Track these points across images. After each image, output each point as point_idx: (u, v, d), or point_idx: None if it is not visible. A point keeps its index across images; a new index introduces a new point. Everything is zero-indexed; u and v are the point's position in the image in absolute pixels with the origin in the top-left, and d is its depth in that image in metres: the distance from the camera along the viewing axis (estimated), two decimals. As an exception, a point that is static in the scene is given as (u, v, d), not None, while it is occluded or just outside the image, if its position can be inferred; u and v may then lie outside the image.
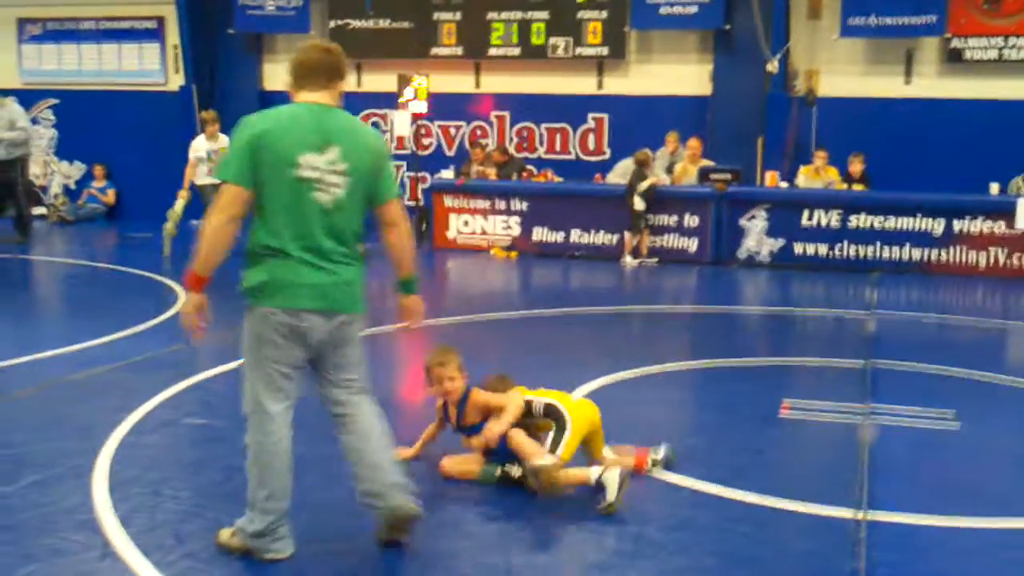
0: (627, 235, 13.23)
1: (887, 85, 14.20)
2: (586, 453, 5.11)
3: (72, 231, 15.92)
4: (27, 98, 17.59)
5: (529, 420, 5.09)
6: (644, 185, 12.96)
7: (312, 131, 4.00)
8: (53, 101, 17.71)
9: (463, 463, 5.18)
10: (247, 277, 4.08)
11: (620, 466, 4.86)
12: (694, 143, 13.75)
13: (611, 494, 4.65)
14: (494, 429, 5.04)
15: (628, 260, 13.09)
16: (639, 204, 12.95)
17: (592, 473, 4.80)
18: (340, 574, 4.10)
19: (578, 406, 5.16)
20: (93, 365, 7.26)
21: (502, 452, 5.03)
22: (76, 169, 17.66)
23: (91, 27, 17.30)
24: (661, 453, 5.25)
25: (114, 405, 6.18)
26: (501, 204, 13.98)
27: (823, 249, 12.84)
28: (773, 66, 14.04)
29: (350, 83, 16.17)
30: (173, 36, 16.70)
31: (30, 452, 5.38)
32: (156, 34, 17.02)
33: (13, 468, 5.12)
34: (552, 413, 5.06)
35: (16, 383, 6.84)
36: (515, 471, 4.96)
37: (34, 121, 17.75)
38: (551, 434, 4.99)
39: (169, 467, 5.26)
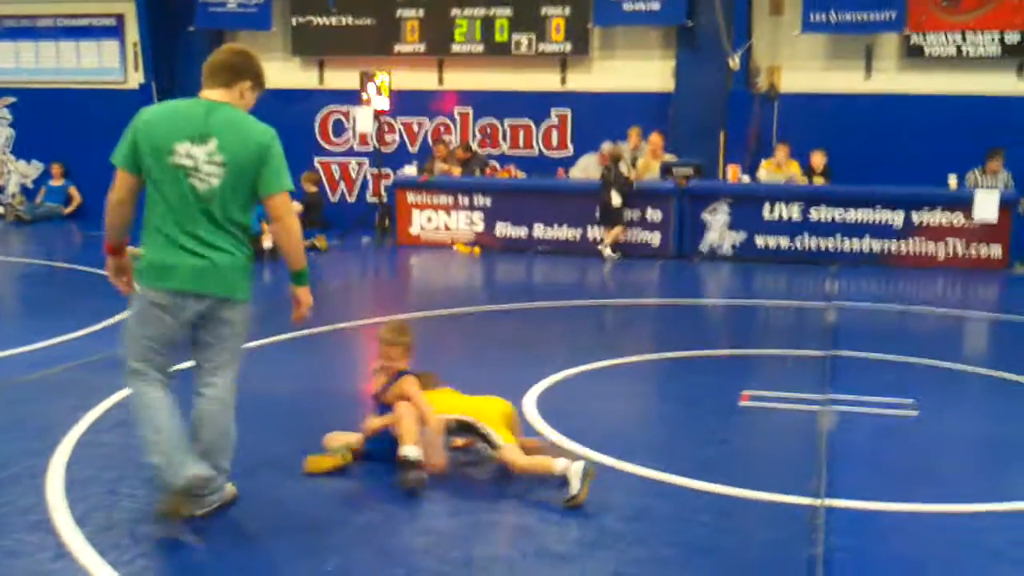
0: (603, 229, 13.23)
1: (848, 80, 14.31)
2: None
3: (29, 230, 15.73)
4: (-17, 96, 17.46)
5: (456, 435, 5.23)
6: (624, 178, 12.98)
7: (193, 123, 4.29)
8: (10, 99, 17.48)
9: (338, 438, 5.26)
10: (141, 256, 4.38)
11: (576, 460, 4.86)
12: (656, 138, 13.79)
13: (574, 487, 4.65)
14: (374, 422, 5.20)
15: (609, 252, 13.07)
16: (616, 200, 12.94)
17: (556, 465, 4.80)
18: (298, 570, 4.07)
19: (485, 404, 5.18)
20: (50, 365, 7.17)
21: (384, 443, 5.09)
22: (34, 168, 17.44)
23: (49, 24, 17.10)
24: (571, 470, 4.75)
25: (71, 404, 6.10)
26: (464, 200, 13.96)
27: (784, 242, 12.93)
28: (735, 62, 14.10)
29: (311, 80, 16.14)
30: (133, 33, 16.54)
31: (-16, 452, 5.30)
32: (115, 31, 16.85)
33: (-33, 468, 5.04)
34: (464, 427, 5.13)
35: (-30, 383, 6.75)
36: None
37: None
38: (478, 442, 5.13)
39: (126, 466, 5.18)
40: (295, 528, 4.45)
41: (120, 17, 16.73)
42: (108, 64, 16.91)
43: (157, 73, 16.11)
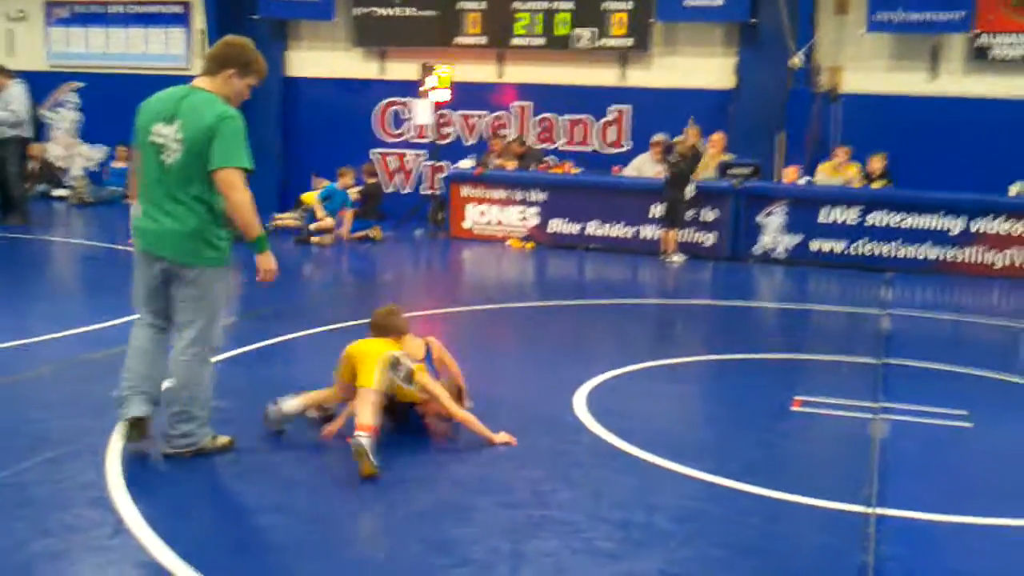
0: (669, 231, 12.92)
1: (912, 82, 14.11)
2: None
3: (92, 212, 16.02)
4: (53, 81, 17.79)
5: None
6: (699, 173, 12.89)
7: (168, 106, 4.93)
8: (79, 84, 17.82)
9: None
10: None
11: None
12: (718, 137, 13.70)
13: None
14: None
15: (676, 258, 12.85)
16: (692, 192, 12.82)
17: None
18: (349, 558, 4.13)
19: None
20: (110, 345, 7.29)
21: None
22: (99, 151, 17.76)
23: (119, 11, 17.40)
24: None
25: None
26: (518, 195, 13.98)
27: (840, 246, 12.78)
28: (797, 61, 13.97)
29: (372, 71, 16.26)
30: (199, 21, 16.77)
31: (47, 429, 5.44)
32: (182, 19, 17.11)
33: (30, 444, 5.18)
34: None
35: (34, 361, 6.92)
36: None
37: (59, 104, 17.90)
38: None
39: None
40: (346, 516, 4.52)
41: (187, 5, 16.99)
42: (174, 51, 17.18)
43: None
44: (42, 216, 15.51)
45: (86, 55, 17.73)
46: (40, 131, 17.94)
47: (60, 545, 4.07)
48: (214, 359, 5.26)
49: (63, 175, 17.76)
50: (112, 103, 17.21)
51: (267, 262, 5.06)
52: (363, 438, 4.93)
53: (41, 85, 17.84)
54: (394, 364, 5.38)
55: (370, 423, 5.03)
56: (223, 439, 5.24)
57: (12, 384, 6.37)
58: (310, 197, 14.10)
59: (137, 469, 4.91)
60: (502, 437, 5.47)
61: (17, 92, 13.91)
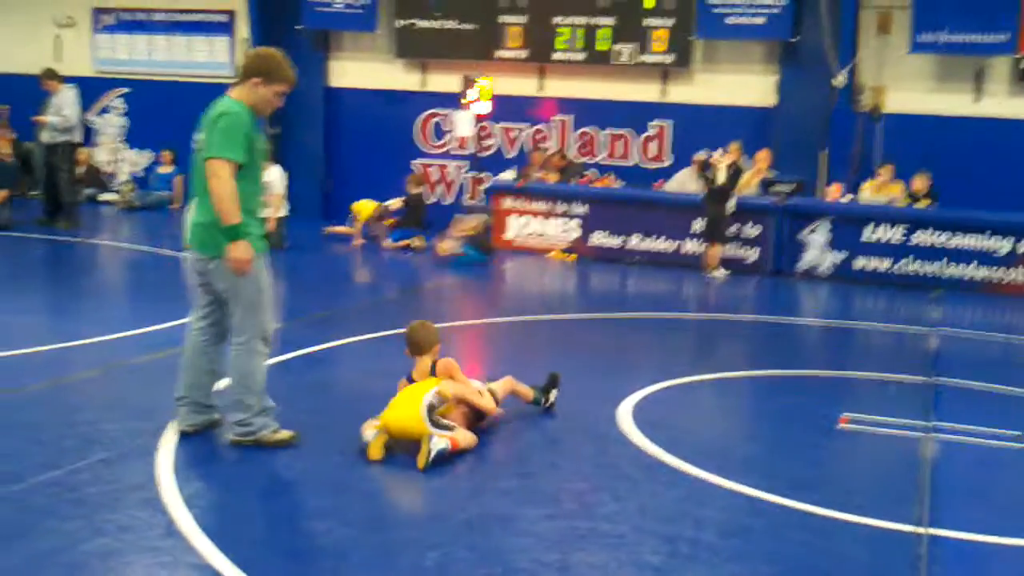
0: (712, 246, 12.85)
1: (955, 103, 14.00)
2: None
3: (139, 217, 16.20)
4: (99, 86, 18.03)
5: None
6: (741, 190, 12.90)
7: (205, 115, 5.32)
8: (124, 90, 18.04)
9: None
10: None
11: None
12: (764, 155, 13.64)
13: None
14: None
15: (718, 273, 12.78)
16: (732, 208, 12.81)
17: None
18: (398, 564, 4.14)
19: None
20: (157, 349, 7.39)
21: None
22: (144, 157, 17.96)
23: (163, 18, 17.60)
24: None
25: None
26: (561, 207, 13.99)
27: (885, 264, 12.68)
28: (840, 80, 13.90)
29: (413, 82, 16.35)
30: (243, 30, 16.92)
31: (98, 430, 5.51)
32: (226, 27, 17.27)
33: (82, 445, 5.24)
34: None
35: (84, 364, 7.00)
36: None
37: (104, 110, 18.13)
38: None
39: (230, 451, 5.34)
40: (396, 523, 4.54)
41: (231, 14, 17.15)
42: (218, 59, 17.34)
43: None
44: (90, 220, 15.71)
45: (131, 62, 17.94)
46: (87, 136, 18.20)
47: (114, 544, 4.11)
48: (264, 351, 5.43)
49: (110, 180, 17.97)
50: (157, 109, 17.51)
51: (236, 251, 5.16)
52: (441, 442, 5.19)
53: (87, 91, 18.06)
54: (430, 409, 5.42)
55: (458, 443, 5.35)
56: (284, 433, 5.41)
57: (63, 386, 6.45)
58: (361, 206, 14.26)
59: (188, 471, 4.95)
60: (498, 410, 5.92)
61: (69, 97, 14.10)
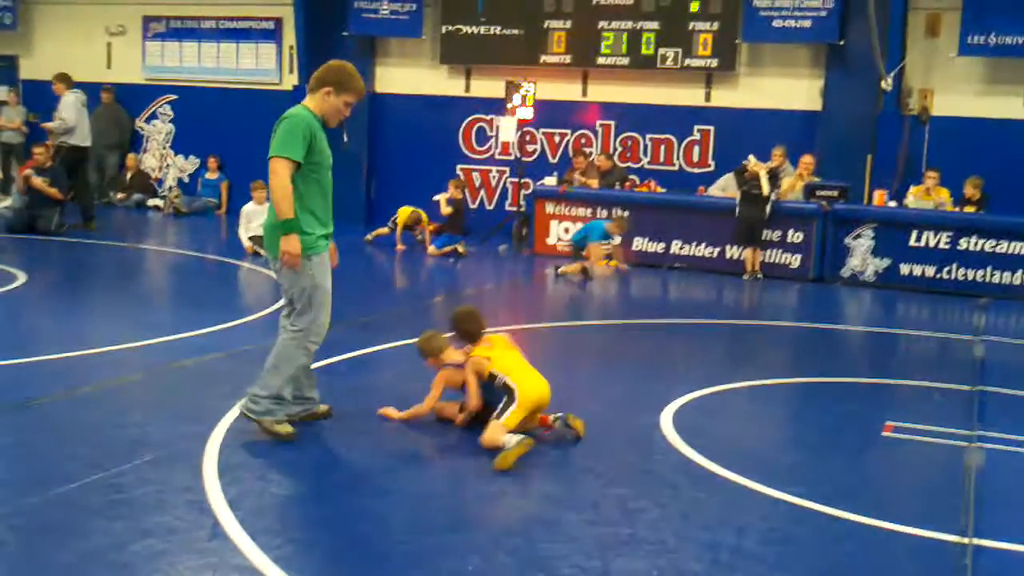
0: (750, 250, 13.01)
1: (1005, 106, 13.81)
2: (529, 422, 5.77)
3: (186, 222, 16.41)
4: (148, 93, 18.31)
5: (491, 384, 5.86)
6: (779, 192, 12.92)
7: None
8: (172, 97, 18.30)
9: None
10: None
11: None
12: (808, 159, 13.56)
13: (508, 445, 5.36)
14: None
15: (755, 275, 12.96)
16: (768, 213, 12.83)
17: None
18: (440, 568, 4.17)
19: (532, 386, 5.77)
20: (203, 353, 7.49)
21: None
22: (191, 163, 18.20)
23: (212, 26, 17.82)
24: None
25: (223, 392, 6.36)
26: (603, 213, 13.98)
27: (931, 271, 12.54)
28: (887, 83, 13.77)
29: (458, 88, 16.43)
30: (290, 37, 17.09)
31: (144, 433, 5.59)
32: (273, 35, 17.46)
33: (129, 447, 5.33)
34: (507, 390, 5.74)
35: (133, 367, 7.12)
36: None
37: (153, 116, 18.40)
38: (503, 403, 5.69)
39: (276, 453, 5.41)
40: (438, 527, 4.57)
41: (279, 21, 17.33)
42: (265, 66, 17.53)
43: (311, 76, 16.57)
44: (137, 225, 15.97)
45: (180, 69, 18.19)
46: (135, 142, 18.49)
47: (160, 545, 4.17)
48: (313, 347, 5.69)
49: (157, 186, 18.23)
50: (204, 116, 17.74)
51: (288, 244, 5.41)
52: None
53: (137, 97, 18.40)
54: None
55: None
56: (286, 427, 5.60)
57: (112, 389, 6.56)
58: (402, 212, 14.37)
59: (233, 474, 5.02)
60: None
61: (70, 101, 14.43)
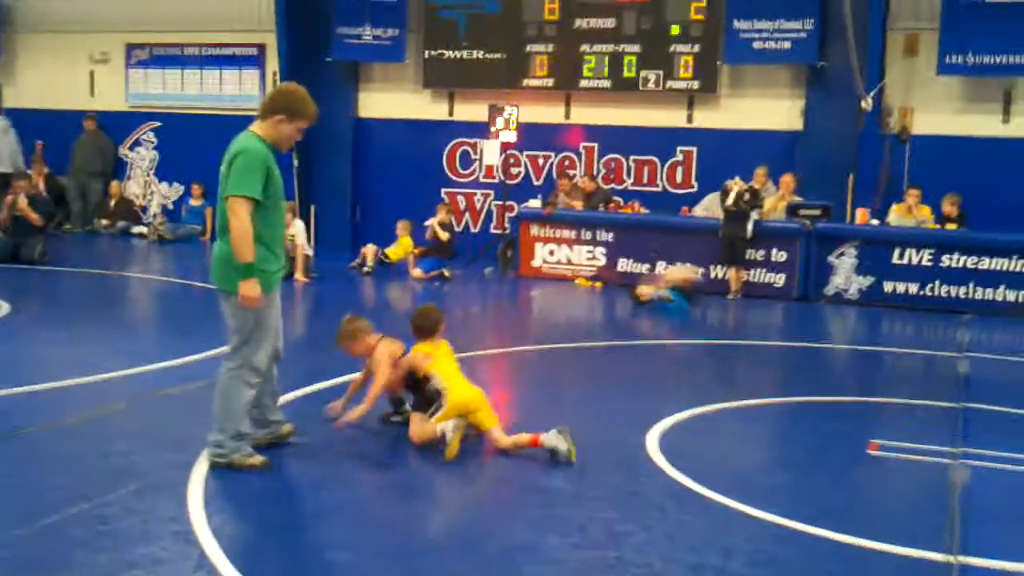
0: (734, 271, 13.10)
1: (984, 124, 13.94)
2: (475, 427, 6.00)
3: (170, 249, 16.38)
4: (131, 121, 18.30)
5: (423, 384, 6.16)
6: (762, 211, 13.01)
7: (229, 149, 5.44)
8: (155, 124, 18.30)
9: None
10: None
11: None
12: (788, 179, 13.65)
13: (563, 449, 5.75)
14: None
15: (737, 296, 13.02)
16: (751, 231, 12.88)
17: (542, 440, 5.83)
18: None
19: (462, 391, 6.04)
20: (188, 381, 7.46)
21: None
22: (174, 190, 18.19)
23: (195, 53, 17.86)
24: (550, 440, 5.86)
25: (207, 420, 6.26)
26: (587, 234, 14.03)
27: (914, 288, 12.61)
28: (867, 103, 13.88)
29: (441, 112, 16.49)
30: (273, 63, 17.12)
31: (129, 462, 5.57)
32: (256, 60, 17.50)
33: (113, 477, 5.30)
34: (437, 394, 6.04)
35: (117, 395, 7.08)
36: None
37: (136, 143, 18.39)
38: (434, 407, 6.02)
39: (259, 482, 5.39)
40: (421, 553, 4.55)
41: (262, 47, 17.36)
42: (248, 92, 17.56)
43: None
44: (121, 252, 15.94)
45: (163, 96, 18.21)
46: (119, 169, 18.46)
47: (145, 576, 4.15)
48: (252, 381, 5.54)
49: (142, 213, 18.21)
50: (187, 142, 17.73)
51: (247, 289, 5.30)
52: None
53: (120, 125, 18.39)
54: None
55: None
56: (258, 458, 5.54)
57: (97, 418, 6.52)
58: (404, 244, 14.31)
59: (219, 503, 5.00)
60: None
61: None
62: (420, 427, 5.96)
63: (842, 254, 12.88)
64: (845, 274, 12.87)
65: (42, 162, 17.78)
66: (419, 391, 6.21)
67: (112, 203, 17.97)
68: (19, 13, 18.84)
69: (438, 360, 6.19)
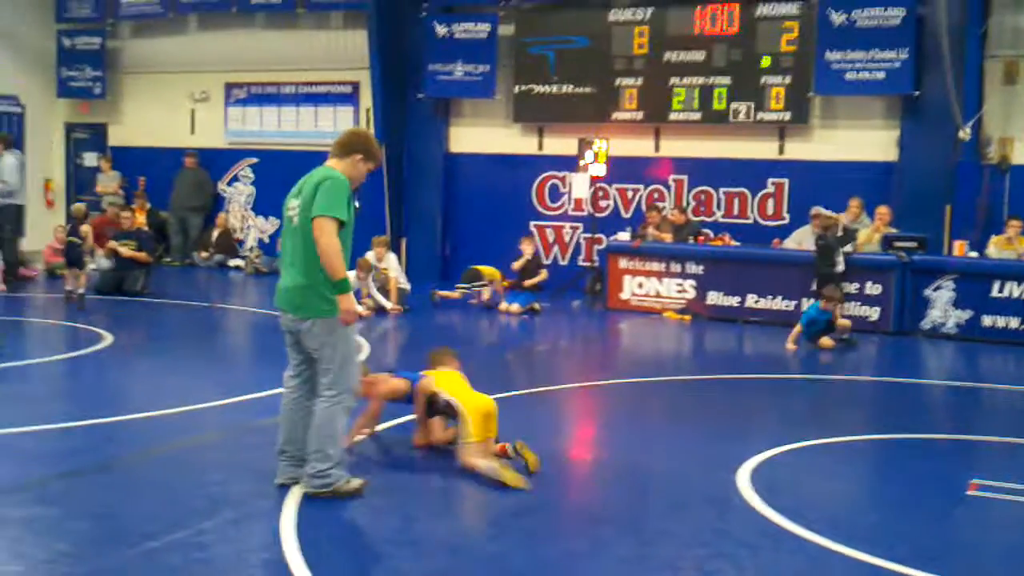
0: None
1: (1087, 152, 13.54)
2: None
3: (265, 281, 16.74)
4: (230, 157, 18.83)
5: (436, 408, 6.54)
6: (861, 247, 12.80)
7: (300, 184, 5.69)
8: (253, 160, 18.78)
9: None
10: None
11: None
12: (884, 211, 13.40)
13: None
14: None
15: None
16: (840, 266, 12.64)
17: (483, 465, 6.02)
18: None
19: (473, 400, 6.30)
20: (277, 412, 7.59)
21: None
22: (271, 224, 18.61)
23: (291, 91, 18.31)
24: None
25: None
26: (676, 267, 13.95)
27: (1015, 322, 12.23)
28: (965, 133, 13.58)
29: (531, 146, 16.61)
30: (366, 99, 17.46)
31: (224, 492, 5.71)
32: (351, 98, 17.85)
33: (209, 506, 5.43)
34: (450, 409, 6.35)
35: (213, 425, 7.27)
36: None
37: (235, 179, 18.89)
38: (458, 425, 6.29)
39: (350, 510, 5.47)
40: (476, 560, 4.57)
41: (356, 85, 17.72)
42: (343, 127, 17.87)
43: (387, 137, 16.84)
44: (219, 285, 16.36)
45: (260, 132, 18.69)
46: (219, 205, 18.97)
47: (240, 604, 4.24)
48: (351, 405, 5.75)
49: (239, 246, 18.68)
50: (284, 178, 18.01)
51: (345, 303, 5.50)
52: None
53: (219, 161, 18.93)
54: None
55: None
56: (356, 482, 5.67)
57: (193, 447, 6.71)
58: (487, 270, 14.45)
59: (311, 533, 5.08)
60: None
61: (9, 163, 14.99)
62: (464, 457, 6.17)
63: (939, 287, 12.57)
64: (942, 308, 12.55)
65: (144, 197, 18.38)
66: (432, 409, 6.59)
67: (216, 234, 18.46)
68: (124, 55, 19.56)
69: (439, 379, 6.58)
